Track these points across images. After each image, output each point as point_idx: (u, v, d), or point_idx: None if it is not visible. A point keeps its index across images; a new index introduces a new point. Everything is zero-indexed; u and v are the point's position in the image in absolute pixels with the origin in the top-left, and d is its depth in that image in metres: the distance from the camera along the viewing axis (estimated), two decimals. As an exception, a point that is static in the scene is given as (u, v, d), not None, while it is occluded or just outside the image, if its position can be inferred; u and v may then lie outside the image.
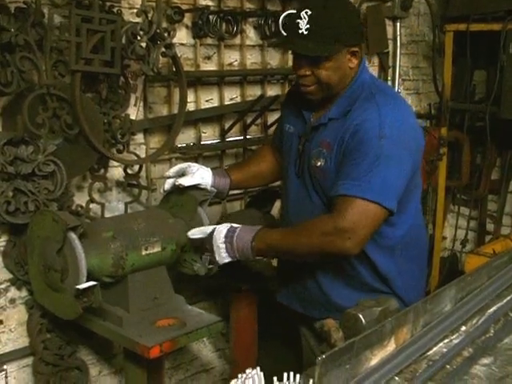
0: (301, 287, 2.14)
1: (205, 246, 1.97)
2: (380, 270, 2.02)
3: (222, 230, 1.93)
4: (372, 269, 2.02)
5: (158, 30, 2.19)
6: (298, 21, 1.87)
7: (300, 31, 1.86)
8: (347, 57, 1.93)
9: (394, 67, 3.70)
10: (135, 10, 2.27)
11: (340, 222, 1.81)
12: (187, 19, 2.58)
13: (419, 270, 2.20)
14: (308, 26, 1.85)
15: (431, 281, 3.92)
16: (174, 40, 2.31)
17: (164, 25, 2.34)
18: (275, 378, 1.10)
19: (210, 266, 2.01)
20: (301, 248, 1.89)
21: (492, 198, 4.14)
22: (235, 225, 1.95)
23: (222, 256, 1.92)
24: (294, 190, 2.09)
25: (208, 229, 1.99)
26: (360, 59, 1.98)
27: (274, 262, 2.48)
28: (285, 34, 2.06)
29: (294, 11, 2.75)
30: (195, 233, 2.02)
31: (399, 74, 3.73)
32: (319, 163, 1.97)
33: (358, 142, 1.85)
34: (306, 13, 1.85)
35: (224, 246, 1.91)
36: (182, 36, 2.57)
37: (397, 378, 1.25)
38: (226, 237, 1.91)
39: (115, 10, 2.20)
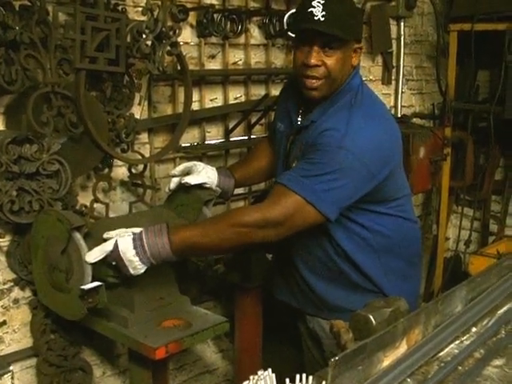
0: (293, 283, 2.16)
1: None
2: (364, 269, 2.03)
3: (127, 241, 1.76)
4: (356, 268, 2.03)
5: (164, 29, 2.17)
6: (312, 9, 1.84)
7: (316, 18, 1.83)
8: (352, 53, 1.94)
9: (397, 67, 3.69)
10: (140, 9, 2.25)
11: (272, 212, 1.81)
12: (192, 18, 2.56)
13: (412, 271, 2.19)
14: (324, 13, 1.83)
15: (435, 281, 3.92)
16: (179, 39, 2.29)
17: (169, 23, 2.32)
18: (288, 380, 1.08)
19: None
20: (227, 242, 1.83)
21: (495, 199, 4.14)
22: (135, 230, 1.79)
23: (138, 268, 1.77)
24: None
25: (108, 245, 1.77)
26: (359, 59, 1.98)
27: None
28: (286, 27, 2.04)
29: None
30: (95, 255, 1.78)
31: (403, 73, 3.73)
32: (294, 165, 1.98)
33: (319, 146, 1.85)
34: (319, 2, 1.83)
35: (137, 258, 1.76)
36: (186, 35, 2.55)
37: (409, 380, 1.24)
38: (134, 247, 1.75)
39: (120, 8, 2.19)
